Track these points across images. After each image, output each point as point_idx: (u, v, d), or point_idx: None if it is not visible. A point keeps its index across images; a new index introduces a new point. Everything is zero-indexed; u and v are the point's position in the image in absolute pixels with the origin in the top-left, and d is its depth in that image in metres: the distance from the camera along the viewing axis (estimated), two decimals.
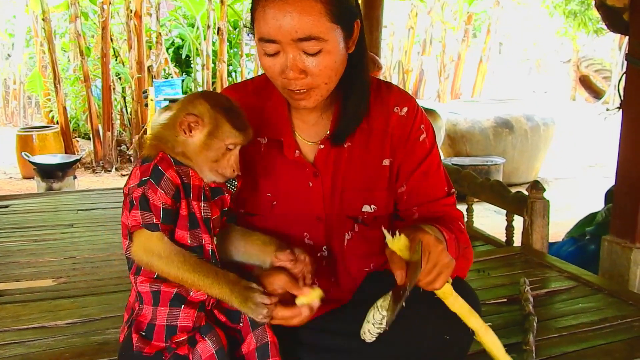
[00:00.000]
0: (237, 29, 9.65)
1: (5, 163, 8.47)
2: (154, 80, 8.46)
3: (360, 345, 1.34)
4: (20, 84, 11.81)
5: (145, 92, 8.01)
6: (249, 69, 9.74)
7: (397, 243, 1.26)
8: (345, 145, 1.46)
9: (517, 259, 2.69)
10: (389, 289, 1.28)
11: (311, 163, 1.45)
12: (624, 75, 2.93)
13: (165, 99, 7.41)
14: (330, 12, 1.25)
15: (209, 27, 8.83)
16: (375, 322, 1.29)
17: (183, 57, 9.87)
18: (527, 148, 6.72)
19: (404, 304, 1.23)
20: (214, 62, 8.94)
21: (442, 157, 6.48)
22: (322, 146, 1.45)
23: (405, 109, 1.49)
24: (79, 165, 7.72)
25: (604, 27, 4.12)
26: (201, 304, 1.27)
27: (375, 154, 1.48)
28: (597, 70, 13.17)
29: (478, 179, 3.24)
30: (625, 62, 2.92)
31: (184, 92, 8.88)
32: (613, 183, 3.05)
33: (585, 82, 13.52)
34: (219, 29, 8.59)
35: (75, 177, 6.68)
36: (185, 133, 1.21)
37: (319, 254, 1.48)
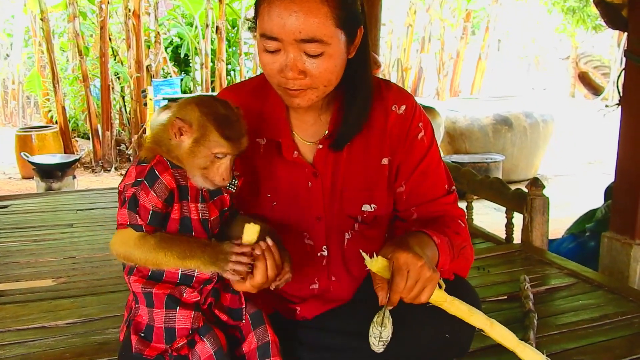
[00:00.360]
0: (236, 28, 9.64)
1: (5, 163, 8.47)
2: (152, 79, 8.45)
3: (360, 344, 1.34)
4: (19, 84, 11.80)
5: (144, 91, 8.00)
6: (247, 68, 9.73)
7: (376, 264, 1.27)
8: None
9: (517, 256, 2.69)
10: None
11: (310, 163, 1.45)
12: (623, 71, 2.93)
13: (164, 99, 7.39)
14: (336, 16, 1.25)
15: (207, 26, 8.82)
16: (376, 336, 1.30)
17: (182, 56, 9.86)
18: (526, 145, 6.72)
19: (389, 318, 1.28)
20: (212, 61, 8.93)
21: (442, 154, 6.47)
22: (320, 146, 1.45)
23: (403, 107, 1.48)
24: (78, 165, 7.71)
25: (603, 23, 4.12)
26: (197, 304, 1.27)
27: (374, 153, 1.47)
28: (596, 66, 13.17)
29: (477, 176, 3.24)
30: (624, 59, 2.92)
31: (183, 92, 8.88)
32: (612, 180, 3.05)
33: (584, 79, 13.52)
34: (217, 27, 8.59)
35: (74, 177, 6.68)
36: (175, 137, 1.19)
37: (319, 254, 1.48)
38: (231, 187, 1.30)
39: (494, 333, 1.35)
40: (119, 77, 8.89)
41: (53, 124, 8.99)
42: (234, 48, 9.71)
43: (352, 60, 1.36)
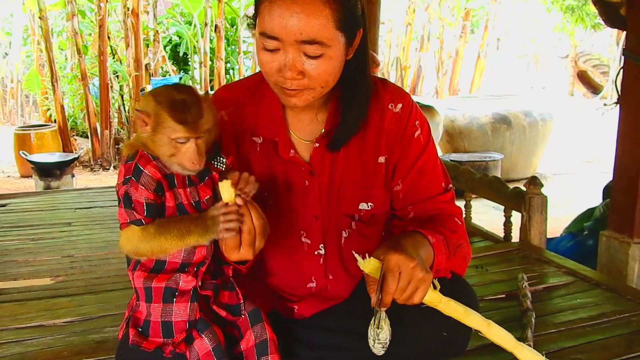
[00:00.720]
0: (235, 27, 9.63)
1: (3, 162, 8.45)
2: (151, 78, 8.44)
3: (357, 342, 1.34)
4: (18, 83, 11.76)
5: (143, 90, 7.98)
6: (246, 67, 9.72)
7: (368, 265, 1.27)
8: None
9: (515, 255, 2.69)
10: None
11: (307, 162, 1.45)
12: (622, 70, 2.93)
13: None
14: (337, 18, 1.25)
15: (206, 24, 8.80)
16: (374, 338, 1.31)
17: (180, 54, 9.85)
18: (525, 144, 6.72)
19: (385, 320, 1.28)
20: (211, 60, 8.92)
21: (440, 153, 6.48)
22: (317, 145, 1.45)
23: (399, 106, 1.48)
24: (77, 164, 7.70)
25: (602, 22, 4.12)
26: (193, 293, 1.27)
27: (370, 152, 1.47)
28: (595, 65, 13.16)
29: (476, 175, 3.24)
30: (622, 57, 2.92)
31: None
32: (611, 178, 3.05)
33: (583, 78, 13.52)
34: (216, 26, 8.57)
35: (73, 176, 6.66)
36: (142, 129, 1.21)
37: (316, 252, 1.48)
38: (219, 166, 1.31)
39: (490, 334, 1.35)
40: (117, 76, 8.88)
41: (52, 122, 8.98)
42: (233, 47, 9.70)
43: (350, 61, 1.36)
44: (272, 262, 1.51)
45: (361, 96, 1.42)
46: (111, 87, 8.39)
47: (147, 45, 8.78)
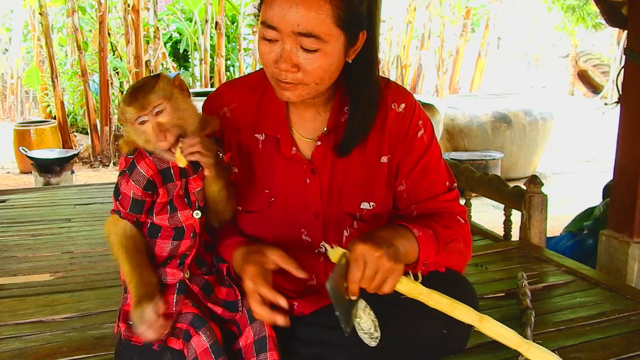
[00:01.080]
0: (235, 24, 9.62)
1: (3, 158, 8.45)
2: (151, 74, 8.43)
3: (356, 339, 1.34)
4: (18, 79, 11.75)
5: None
6: (247, 64, 9.72)
7: (336, 255, 1.29)
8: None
9: (515, 254, 2.69)
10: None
11: (308, 160, 1.45)
12: (623, 69, 2.92)
13: None
14: (337, 15, 1.25)
15: (206, 21, 8.80)
16: (359, 329, 1.31)
17: (181, 51, 9.84)
18: (525, 143, 6.71)
19: (364, 309, 1.29)
20: (211, 57, 8.91)
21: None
22: (319, 143, 1.45)
23: (402, 105, 1.48)
24: (77, 160, 7.69)
25: (603, 21, 4.12)
26: (180, 286, 1.28)
27: (373, 151, 1.47)
28: (596, 65, 13.16)
29: (476, 173, 3.24)
30: (623, 57, 2.92)
31: None
32: (611, 178, 3.05)
33: (583, 77, 13.52)
34: (216, 23, 8.57)
35: (72, 172, 6.66)
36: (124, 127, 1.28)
37: (316, 250, 1.48)
38: None
39: (484, 328, 1.32)
40: (117, 72, 8.87)
41: (51, 118, 8.97)
42: (233, 44, 9.69)
43: (355, 64, 1.35)
44: None
45: (366, 101, 1.41)
46: (111, 83, 8.38)
47: (148, 42, 8.77)
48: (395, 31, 12.69)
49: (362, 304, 1.30)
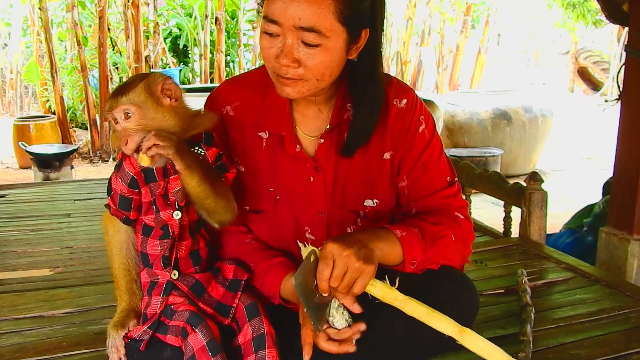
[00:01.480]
0: (235, 19, 9.60)
1: (2, 153, 8.44)
2: (151, 70, 8.42)
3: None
4: (17, 74, 11.74)
5: None
6: (247, 59, 9.70)
7: (307, 252, 1.30)
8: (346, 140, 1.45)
9: (515, 250, 2.69)
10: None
11: (312, 157, 1.45)
12: (623, 66, 2.92)
13: None
14: (339, 11, 1.24)
15: (206, 16, 8.79)
16: (335, 329, 1.32)
17: (180, 47, 9.83)
18: (525, 140, 6.71)
19: (337, 308, 1.30)
20: (211, 52, 8.90)
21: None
22: (322, 140, 1.44)
23: (404, 101, 1.48)
24: (76, 155, 7.69)
25: (603, 18, 4.11)
26: (166, 287, 1.31)
27: (375, 148, 1.47)
28: (596, 62, 13.15)
29: (476, 170, 3.23)
30: (624, 54, 2.92)
31: (182, 83, 8.85)
32: (611, 175, 3.05)
33: (583, 74, 13.51)
34: (216, 18, 8.55)
35: (72, 167, 6.66)
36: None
37: (320, 248, 1.48)
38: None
39: (465, 341, 1.26)
40: (117, 68, 8.86)
41: (51, 113, 8.96)
42: (233, 39, 9.68)
43: (358, 62, 1.35)
44: None
45: (370, 102, 1.40)
46: (111, 78, 8.37)
47: (147, 37, 8.76)
48: (395, 27, 12.66)
49: (335, 303, 1.30)
